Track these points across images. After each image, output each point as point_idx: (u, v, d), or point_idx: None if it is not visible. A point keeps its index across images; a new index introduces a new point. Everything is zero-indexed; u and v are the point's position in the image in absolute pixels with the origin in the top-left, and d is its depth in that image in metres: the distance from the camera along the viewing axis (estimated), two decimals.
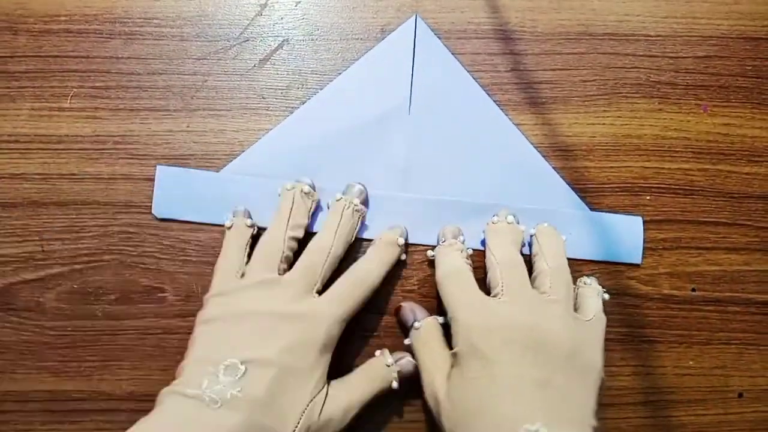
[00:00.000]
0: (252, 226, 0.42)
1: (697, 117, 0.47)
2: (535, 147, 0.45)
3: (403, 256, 0.44)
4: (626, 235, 0.45)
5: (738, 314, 0.45)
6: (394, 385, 0.40)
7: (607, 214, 0.45)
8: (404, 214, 0.44)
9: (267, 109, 0.45)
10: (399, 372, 0.40)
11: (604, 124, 0.46)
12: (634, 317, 0.45)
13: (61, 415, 0.42)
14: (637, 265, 0.45)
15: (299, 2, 0.47)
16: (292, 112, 0.45)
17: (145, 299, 0.43)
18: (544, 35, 0.47)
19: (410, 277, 0.44)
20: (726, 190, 0.46)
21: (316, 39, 0.47)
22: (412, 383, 0.41)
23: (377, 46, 0.46)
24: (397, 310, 0.43)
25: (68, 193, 0.44)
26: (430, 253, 0.43)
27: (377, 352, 0.42)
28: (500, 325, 0.37)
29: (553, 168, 0.45)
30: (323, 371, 0.38)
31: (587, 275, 0.44)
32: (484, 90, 0.46)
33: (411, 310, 0.43)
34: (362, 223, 0.44)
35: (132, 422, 0.34)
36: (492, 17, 0.47)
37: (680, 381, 0.45)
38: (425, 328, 0.41)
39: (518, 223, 0.43)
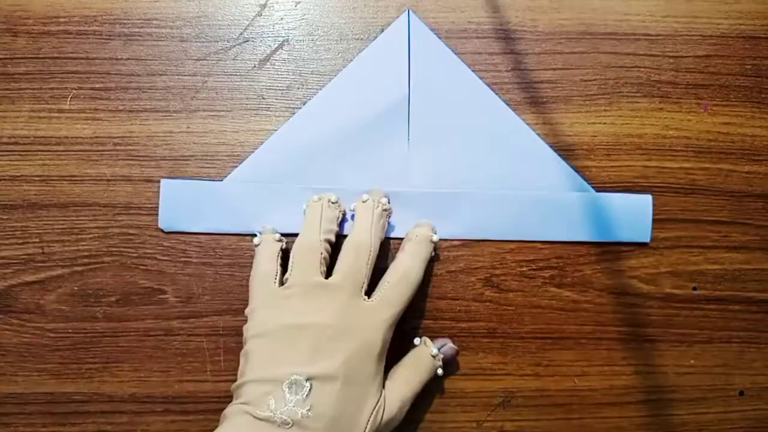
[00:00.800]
0: (280, 240, 0.42)
1: (697, 116, 0.47)
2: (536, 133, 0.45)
3: (433, 253, 0.43)
4: (634, 214, 0.45)
5: (739, 313, 0.45)
6: (440, 372, 0.41)
7: (614, 194, 0.45)
8: (410, 208, 0.44)
9: (267, 110, 0.45)
10: (443, 358, 0.41)
11: (605, 123, 0.46)
12: (636, 316, 0.45)
13: (61, 417, 0.42)
14: (643, 264, 0.45)
15: (299, 2, 0.47)
16: (292, 113, 0.45)
17: (145, 301, 0.43)
18: (545, 35, 0.47)
19: None
20: (727, 189, 0.46)
21: (316, 39, 0.46)
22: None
23: (372, 44, 0.46)
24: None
25: (68, 195, 0.44)
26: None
27: (416, 341, 0.42)
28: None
29: (555, 151, 0.45)
30: (382, 376, 0.38)
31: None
32: (480, 79, 0.46)
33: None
34: (389, 223, 0.44)
35: (133, 424, 0.34)
36: (492, 17, 0.47)
37: (681, 380, 0.45)
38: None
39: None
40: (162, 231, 0.44)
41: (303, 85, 0.46)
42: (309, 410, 0.34)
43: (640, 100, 0.47)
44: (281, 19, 0.46)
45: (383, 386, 0.38)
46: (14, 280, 0.43)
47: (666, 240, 0.46)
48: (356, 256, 0.39)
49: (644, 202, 0.45)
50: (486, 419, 0.43)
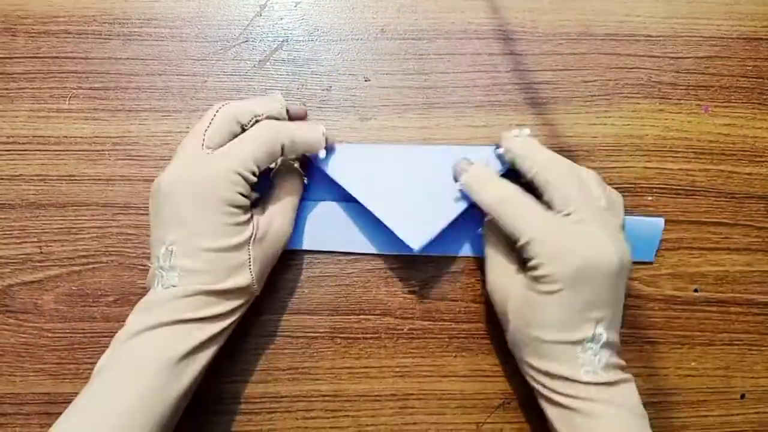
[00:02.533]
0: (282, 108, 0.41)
1: (698, 117, 0.46)
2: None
3: (322, 154, 0.41)
4: (641, 234, 0.45)
5: (740, 315, 0.45)
6: (321, 155, 0.41)
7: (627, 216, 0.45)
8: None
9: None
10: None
11: (605, 124, 0.46)
12: (637, 318, 0.45)
13: (58, 417, 0.42)
14: (644, 265, 0.45)
15: (299, 3, 0.47)
16: None
17: None
18: (545, 36, 0.47)
19: (411, 279, 0.44)
20: (728, 191, 0.46)
21: (316, 39, 0.46)
22: None
23: None
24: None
25: (67, 195, 0.44)
26: (456, 186, 0.42)
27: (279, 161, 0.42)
28: (582, 248, 0.36)
29: None
30: (246, 210, 0.38)
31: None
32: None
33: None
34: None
35: None
36: (492, 18, 0.47)
37: (682, 382, 0.45)
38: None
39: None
40: None
41: (302, 86, 0.46)
42: (180, 271, 0.35)
43: (641, 101, 0.46)
44: (281, 19, 0.46)
45: (259, 209, 0.40)
46: (12, 280, 0.43)
47: (667, 242, 0.45)
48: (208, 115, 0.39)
49: (655, 225, 0.45)
50: (486, 421, 0.43)
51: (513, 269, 0.40)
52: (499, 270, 0.40)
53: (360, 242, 0.44)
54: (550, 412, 0.37)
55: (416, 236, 0.41)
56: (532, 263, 0.37)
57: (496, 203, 0.39)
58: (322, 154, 0.41)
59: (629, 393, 0.36)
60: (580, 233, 0.37)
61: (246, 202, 0.38)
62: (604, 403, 0.35)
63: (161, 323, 0.34)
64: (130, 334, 0.34)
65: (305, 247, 0.44)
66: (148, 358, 0.34)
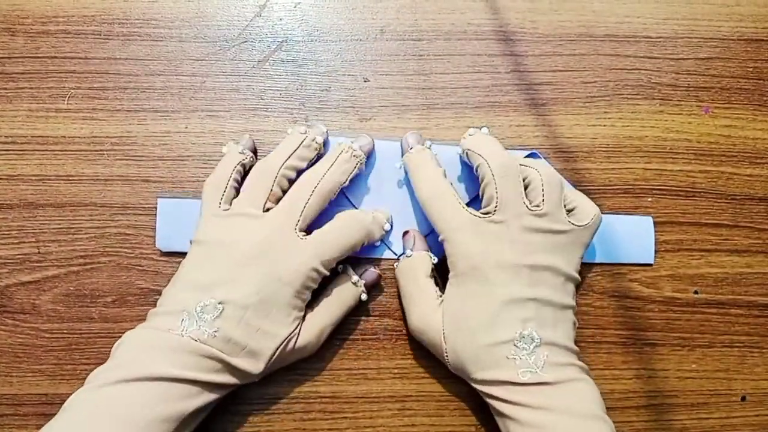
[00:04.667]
0: (243, 153, 0.41)
1: (698, 119, 0.46)
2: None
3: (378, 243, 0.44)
4: (637, 235, 0.45)
5: (740, 317, 0.45)
6: (363, 297, 0.42)
7: (616, 216, 0.45)
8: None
9: (266, 110, 0.45)
10: (365, 284, 0.42)
11: (605, 125, 0.46)
12: (636, 320, 0.44)
13: None
14: (643, 266, 0.45)
15: (298, 3, 0.47)
16: (291, 113, 0.45)
17: (141, 301, 0.43)
18: (545, 36, 0.47)
19: None
20: (728, 192, 0.46)
21: (315, 40, 0.46)
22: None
23: None
24: (404, 234, 0.44)
25: (65, 195, 0.44)
26: (398, 164, 0.43)
27: (339, 267, 0.42)
28: (495, 247, 0.38)
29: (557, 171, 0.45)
30: (299, 310, 0.39)
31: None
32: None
33: (413, 237, 0.43)
34: (360, 173, 0.43)
35: None
36: (492, 18, 0.47)
37: (682, 384, 0.44)
38: (415, 259, 0.42)
39: None
40: (160, 251, 0.44)
41: (302, 86, 0.46)
42: (216, 331, 0.36)
43: (641, 102, 0.46)
44: (280, 19, 0.46)
45: (303, 319, 0.39)
46: (10, 280, 0.43)
47: (666, 243, 0.45)
48: (298, 191, 0.39)
49: (646, 222, 0.45)
50: (484, 423, 0.43)
51: (433, 296, 0.40)
52: (421, 305, 0.40)
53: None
54: (499, 423, 0.38)
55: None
56: (448, 261, 0.39)
57: (423, 197, 0.41)
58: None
59: (578, 393, 0.36)
60: (492, 233, 0.38)
61: (308, 298, 0.39)
62: (540, 410, 0.35)
63: (162, 376, 0.34)
64: (122, 378, 0.34)
65: None
66: (136, 415, 0.33)
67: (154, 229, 0.43)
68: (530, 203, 0.38)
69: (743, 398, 0.45)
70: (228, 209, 0.39)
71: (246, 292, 0.37)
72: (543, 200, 0.38)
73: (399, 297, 0.43)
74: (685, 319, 0.45)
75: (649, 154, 0.46)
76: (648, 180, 0.45)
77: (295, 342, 0.38)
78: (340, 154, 0.41)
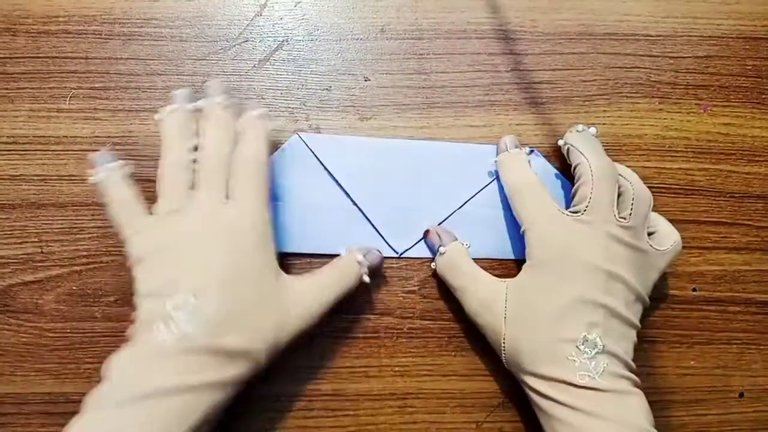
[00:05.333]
0: (122, 167, 0.40)
1: (697, 117, 0.47)
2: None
3: (365, 278, 0.42)
4: None
5: (739, 314, 0.45)
6: (365, 279, 0.41)
7: None
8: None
9: (267, 110, 0.45)
10: (369, 266, 0.41)
11: (604, 123, 0.46)
12: None
13: (59, 417, 0.42)
14: None
15: (299, 2, 0.47)
16: (291, 113, 0.45)
17: None
18: (545, 35, 0.47)
19: (411, 278, 0.44)
20: (726, 190, 0.46)
21: (316, 39, 0.46)
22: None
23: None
24: (425, 234, 0.44)
25: (67, 195, 0.44)
26: (491, 161, 0.45)
27: (345, 248, 0.42)
28: (577, 246, 0.38)
29: (556, 168, 0.45)
30: (274, 268, 0.38)
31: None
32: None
33: (436, 233, 0.43)
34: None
35: None
36: (492, 17, 0.47)
37: (681, 381, 0.45)
38: (450, 252, 0.42)
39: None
40: None
41: (302, 86, 0.46)
42: (197, 321, 0.34)
43: (640, 100, 0.47)
44: (281, 19, 0.46)
45: (297, 281, 0.39)
46: (13, 280, 0.43)
47: None
48: (210, 164, 0.39)
49: None
50: (485, 420, 0.43)
51: (488, 279, 0.41)
52: (479, 288, 0.41)
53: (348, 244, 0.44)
54: (543, 421, 0.38)
55: (401, 240, 0.44)
56: (526, 251, 0.40)
57: (512, 188, 0.42)
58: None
59: (630, 404, 0.36)
60: (577, 232, 0.38)
61: (276, 255, 0.39)
62: (590, 415, 0.35)
63: (156, 391, 0.33)
64: (118, 400, 0.33)
65: (297, 250, 0.44)
66: None
67: None
68: (617, 213, 0.39)
69: (741, 395, 0.45)
70: (152, 216, 0.38)
71: (212, 272, 0.36)
72: (630, 213, 0.39)
73: (441, 294, 0.44)
74: (683, 316, 0.45)
75: (648, 152, 0.46)
76: (647, 178, 0.46)
77: (288, 309, 0.37)
78: (213, 115, 0.40)
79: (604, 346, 0.36)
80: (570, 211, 0.39)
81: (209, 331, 0.34)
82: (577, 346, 0.36)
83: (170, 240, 0.37)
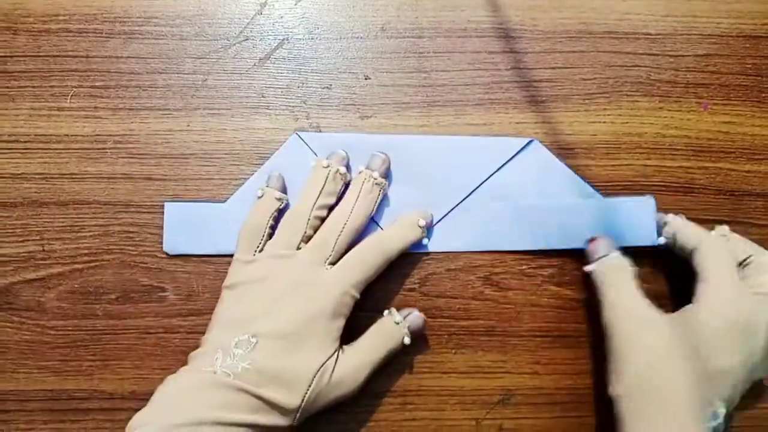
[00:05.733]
0: (280, 200, 0.43)
1: (697, 115, 0.47)
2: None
3: (425, 241, 0.44)
4: (637, 217, 0.44)
5: None
6: (406, 341, 0.41)
7: (616, 198, 0.45)
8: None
9: (267, 108, 0.45)
10: (409, 327, 0.41)
11: (604, 122, 0.46)
12: None
13: (61, 414, 0.42)
14: (642, 262, 0.45)
15: (299, 1, 0.47)
16: (292, 111, 0.45)
17: (145, 298, 0.43)
18: (545, 33, 0.47)
19: (411, 275, 0.44)
20: (726, 188, 0.46)
21: (316, 38, 0.46)
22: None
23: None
24: (591, 241, 0.43)
25: (68, 193, 0.44)
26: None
27: (385, 312, 0.42)
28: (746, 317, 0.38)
29: (557, 157, 0.45)
30: (334, 338, 0.39)
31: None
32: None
33: (606, 244, 0.42)
34: (384, 196, 0.44)
35: None
36: (492, 15, 0.47)
37: None
38: (619, 261, 0.41)
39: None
40: (167, 254, 0.44)
41: (303, 84, 0.46)
42: (249, 364, 0.36)
43: (640, 99, 0.47)
44: (281, 17, 0.47)
45: (340, 350, 0.39)
46: (15, 278, 0.43)
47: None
48: (328, 230, 0.41)
49: (647, 204, 0.45)
50: (485, 417, 0.44)
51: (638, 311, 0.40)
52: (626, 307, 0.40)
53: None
54: None
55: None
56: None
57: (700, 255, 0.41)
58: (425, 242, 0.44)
59: None
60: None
61: (341, 326, 0.40)
62: None
63: (201, 421, 0.34)
64: (162, 426, 0.34)
65: None
66: None
67: (157, 227, 0.44)
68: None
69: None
70: (261, 253, 0.41)
71: (279, 323, 0.38)
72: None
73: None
74: None
75: (648, 151, 0.46)
76: (647, 176, 0.46)
77: (331, 375, 0.38)
78: (362, 185, 0.42)
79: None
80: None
81: (254, 377, 0.36)
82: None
83: (263, 280, 0.39)
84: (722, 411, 0.36)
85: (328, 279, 0.39)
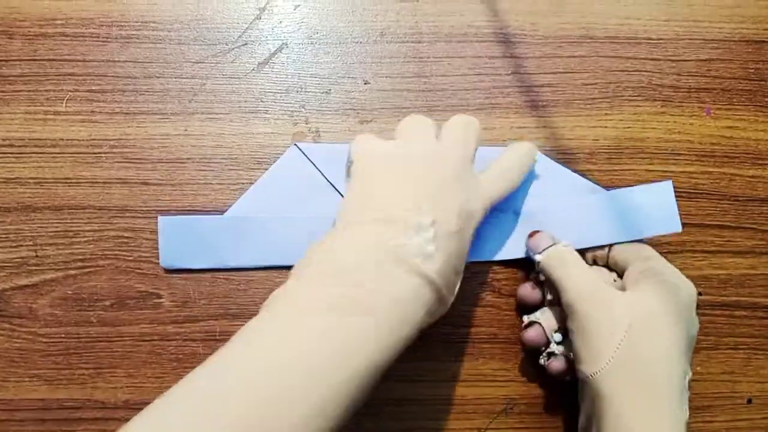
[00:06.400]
0: None
1: (700, 120, 0.46)
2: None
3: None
4: (656, 204, 0.43)
5: (745, 318, 0.45)
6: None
7: (628, 188, 0.43)
8: None
9: (266, 113, 0.45)
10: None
11: (606, 127, 0.46)
12: None
13: (53, 424, 0.41)
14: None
15: (298, 6, 0.46)
16: (291, 116, 0.45)
17: (140, 305, 0.43)
18: (545, 38, 0.47)
19: None
20: (730, 194, 0.46)
21: (315, 43, 0.46)
22: None
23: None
24: (531, 236, 0.42)
25: (63, 198, 0.43)
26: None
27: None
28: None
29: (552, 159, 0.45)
30: (470, 167, 0.37)
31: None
32: None
33: (547, 236, 0.41)
34: None
35: None
36: (492, 20, 0.47)
37: None
38: (564, 248, 0.40)
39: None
40: (164, 269, 0.43)
41: (302, 89, 0.45)
42: (436, 249, 0.32)
43: (642, 104, 0.46)
44: (280, 22, 0.46)
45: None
46: (7, 284, 0.42)
47: (669, 245, 0.45)
48: (465, 129, 0.38)
49: (664, 188, 0.43)
50: (488, 427, 0.43)
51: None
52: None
53: None
54: None
55: None
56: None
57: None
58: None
59: None
60: None
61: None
62: None
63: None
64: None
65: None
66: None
67: (153, 233, 0.43)
68: None
69: (749, 401, 0.44)
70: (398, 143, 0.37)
71: (451, 218, 0.34)
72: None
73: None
74: None
75: (650, 156, 0.46)
76: (650, 181, 0.45)
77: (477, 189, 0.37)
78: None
79: None
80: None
81: (437, 265, 0.33)
82: None
83: (417, 157, 0.36)
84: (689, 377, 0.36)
85: (482, 186, 0.37)
